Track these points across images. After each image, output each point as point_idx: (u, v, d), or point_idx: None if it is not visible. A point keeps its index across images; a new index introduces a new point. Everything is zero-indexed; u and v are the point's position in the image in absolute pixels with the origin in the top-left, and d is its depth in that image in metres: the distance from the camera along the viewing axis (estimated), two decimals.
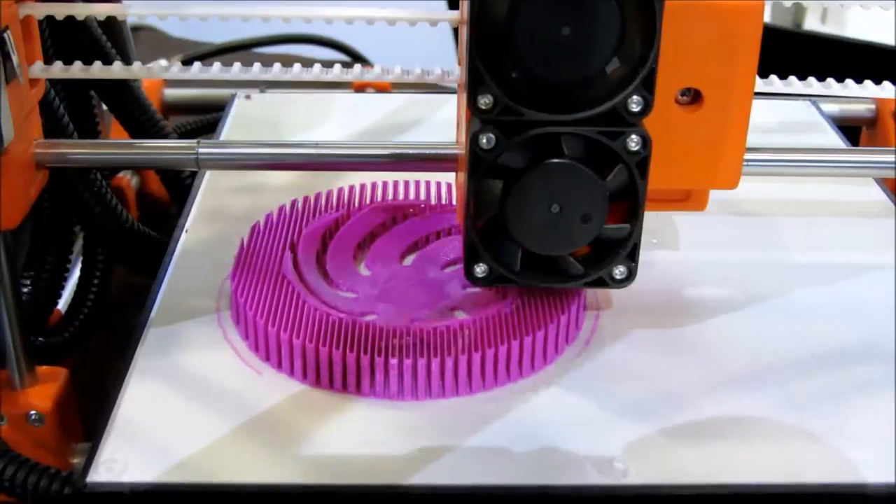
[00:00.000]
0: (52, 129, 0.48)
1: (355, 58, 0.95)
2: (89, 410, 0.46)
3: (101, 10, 0.44)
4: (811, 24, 1.09)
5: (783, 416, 0.39)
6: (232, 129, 0.61)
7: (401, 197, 0.50)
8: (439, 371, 0.39)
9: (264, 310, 0.42)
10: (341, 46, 0.94)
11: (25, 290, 0.52)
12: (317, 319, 0.41)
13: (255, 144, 0.46)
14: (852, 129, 0.67)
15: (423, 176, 0.50)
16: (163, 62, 0.47)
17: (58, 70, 0.44)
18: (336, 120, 0.63)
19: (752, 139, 0.42)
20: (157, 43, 1.03)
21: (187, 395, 0.40)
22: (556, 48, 0.36)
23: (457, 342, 0.40)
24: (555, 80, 0.37)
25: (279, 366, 0.41)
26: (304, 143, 0.46)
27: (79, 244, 0.58)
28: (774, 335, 0.43)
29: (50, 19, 0.44)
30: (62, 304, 0.57)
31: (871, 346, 0.43)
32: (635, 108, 0.37)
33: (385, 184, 0.51)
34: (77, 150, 0.45)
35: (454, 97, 0.46)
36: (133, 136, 0.60)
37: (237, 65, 0.45)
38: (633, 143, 0.38)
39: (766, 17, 0.40)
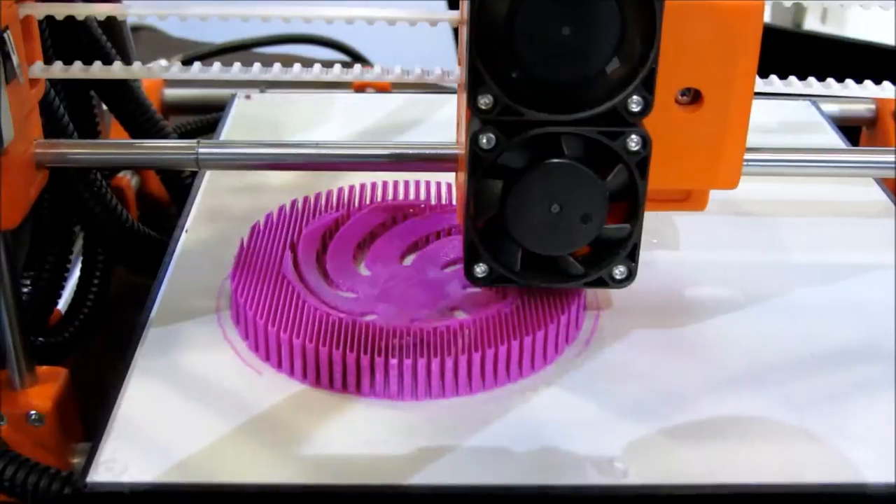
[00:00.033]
0: (52, 129, 0.48)
1: (355, 58, 0.95)
2: (89, 410, 0.46)
3: (101, 10, 0.44)
4: (811, 24, 1.09)
5: (783, 416, 0.39)
6: (232, 129, 0.61)
7: (401, 197, 0.50)
8: (439, 371, 0.39)
9: (264, 310, 0.42)
10: (341, 46, 0.94)
11: (25, 290, 0.52)
12: (317, 319, 0.41)
13: (255, 144, 0.46)
14: (852, 129, 0.67)
15: (423, 176, 0.50)
16: (163, 62, 0.47)
17: (58, 70, 0.44)
18: (336, 120, 0.63)
19: (752, 139, 0.42)
20: (157, 43, 1.03)
21: (187, 395, 0.40)
22: (556, 48, 0.36)
23: (457, 342, 0.40)
24: (555, 80, 0.37)
25: (279, 366, 0.41)
26: (304, 144, 0.46)
27: (79, 244, 0.58)
28: (774, 335, 0.43)
29: (50, 19, 0.44)
30: (62, 304, 0.57)
31: (871, 346, 0.43)
32: (635, 108, 0.37)
33: (385, 184, 0.51)
34: (77, 150, 0.45)
35: (454, 97, 0.46)
36: (133, 136, 0.60)
37: (237, 65, 0.45)
38: (633, 143, 0.38)
39: (766, 17, 0.40)
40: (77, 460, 0.45)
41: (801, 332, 0.44)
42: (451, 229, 0.48)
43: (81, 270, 0.57)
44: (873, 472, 0.36)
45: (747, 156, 0.42)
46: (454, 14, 0.43)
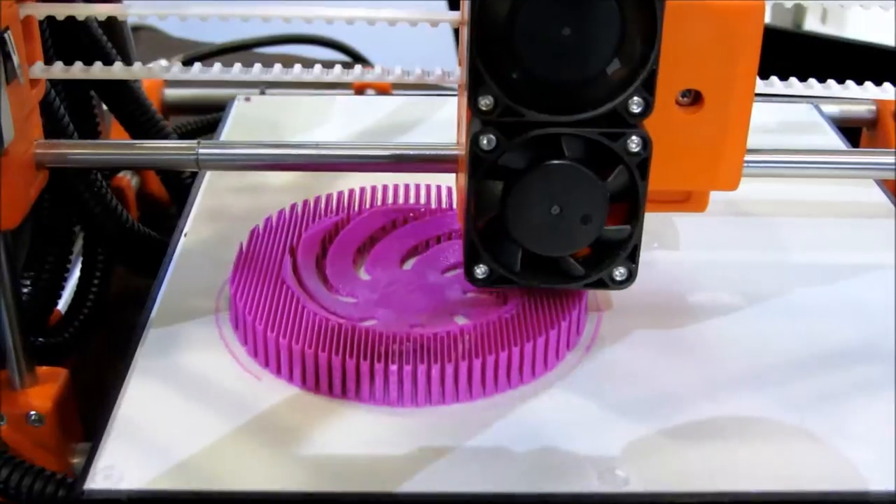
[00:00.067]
0: (53, 129, 0.48)
1: (356, 58, 0.95)
2: (89, 411, 0.46)
3: (101, 11, 0.44)
4: (811, 24, 1.09)
5: (783, 416, 0.39)
6: (231, 131, 0.61)
7: (401, 201, 0.50)
8: (439, 377, 0.39)
9: (263, 315, 0.41)
10: (342, 47, 0.94)
11: (25, 290, 0.52)
12: (316, 325, 0.41)
13: (256, 145, 0.46)
14: (852, 130, 0.67)
15: (423, 179, 0.50)
16: (163, 62, 0.47)
17: (58, 70, 0.44)
18: (335, 122, 0.62)
19: (753, 140, 0.42)
20: (158, 43, 1.03)
21: (187, 396, 0.40)
22: (557, 49, 0.36)
23: (457, 348, 0.40)
24: (555, 80, 0.37)
25: (278, 371, 0.41)
26: (304, 144, 0.46)
27: (79, 244, 0.58)
28: (774, 335, 0.43)
29: (50, 19, 0.44)
30: (62, 304, 0.56)
31: (871, 346, 0.43)
32: (636, 109, 0.37)
33: (385, 187, 0.50)
34: (77, 151, 0.45)
35: (454, 99, 0.46)
36: (133, 137, 0.60)
37: (237, 65, 0.45)
38: (634, 144, 0.38)
39: (767, 18, 0.40)
40: (77, 460, 0.45)
41: (801, 332, 0.44)
42: (452, 233, 0.48)
43: (81, 271, 0.57)
44: (873, 472, 0.36)
45: (747, 157, 0.42)
46: (455, 14, 0.43)
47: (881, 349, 0.43)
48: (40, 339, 0.53)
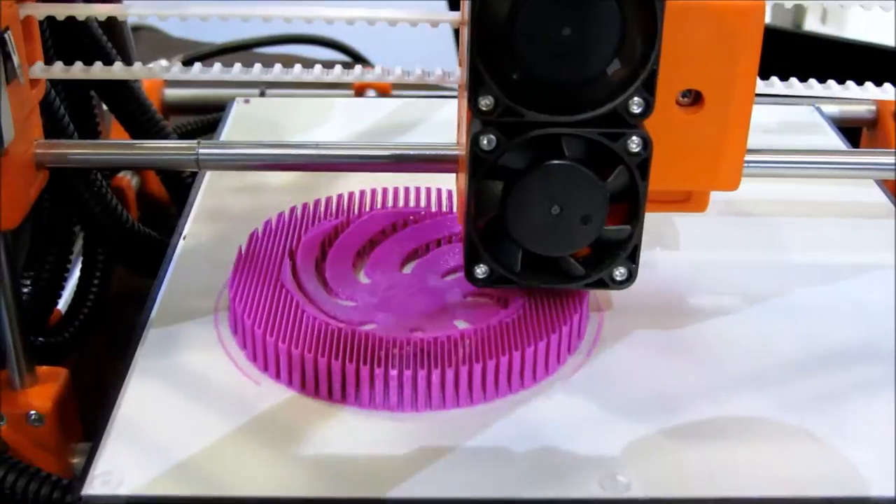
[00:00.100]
0: (53, 129, 0.48)
1: (356, 58, 0.95)
2: (89, 410, 0.46)
3: (101, 11, 0.44)
4: (811, 24, 1.09)
5: (783, 416, 0.39)
6: (231, 133, 0.61)
7: (401, 204, 0.50)
8: (440, 382, 0.39)
9: (262, 319, 0.41)
10: (342, 47, 0.94)
11: (25, 290, 0.52)
12: (315, 329, 0.41)
13: (256, 145, 0.46)
14: (853, 131, 0.67)
15: (423, 183, 0.50)
16: (163, 62, 0.47)
17: (58, 70, 0.44)
18: (335, 124, 0.62)
19: (753, 141, 0.42)
20: (158, 43, 1.03)
21: (187, 397, 0.40)
22: (557, 49, 0.36)
23: (457, 352, 0.40)
24: (555, 81, 0.37)
25: (277, 376, 0.40)
26: (304, 144, 0.46)
27: (79, 244, 0.58)
28: (774, 335, 0.43)
29: (50, 19, 0.44)
30: (62, 304, 0.57)
31: (871, 346, 0.43)
32: (636, 109, 0.37)
33: (385, 191, 0.50)
34: (77, 151, 0.45)
35: (453, 101, 0.46)
36: (133, 137, 0.60)
37: (238, 65, 0.45)
38: (634, 144, 0.38)
39: (766, 18, 0.39)
40: (77, 460, 0.45)
41: (801, 332, 0.44)
42: (452, 237, 0.47)
43: (81, 270, 0.57)
44: (873, 473, 0.36)
45: (748, 157, 0.42)
46: (455, 15, 0.43)
47: (881, 349, 0.43)
48: (40, 338, 0.53)
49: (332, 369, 0.39)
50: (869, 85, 0.45)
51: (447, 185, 0.49)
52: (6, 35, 0.40)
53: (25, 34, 0.42)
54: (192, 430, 0.38)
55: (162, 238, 0.57)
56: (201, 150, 0.45)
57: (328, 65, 0.45)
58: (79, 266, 0.57)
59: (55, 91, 0.49)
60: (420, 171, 0.46)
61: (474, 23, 0.36)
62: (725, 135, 0.40)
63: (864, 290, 0.47)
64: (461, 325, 0.42)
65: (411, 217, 0.49)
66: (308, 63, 0.45)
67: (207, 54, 0.89)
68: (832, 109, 0.66)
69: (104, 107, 0.61)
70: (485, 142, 0.37)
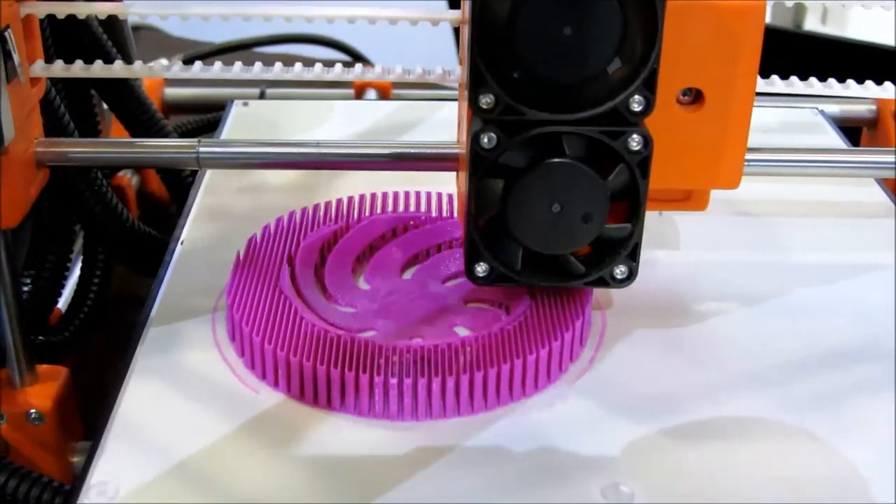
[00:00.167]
0: (53, 127, 0.48)
1: (356, 58, 0.95)
2: (89, 409, 0.46)
3: (102, 9, 0.44)
4: (812, 24, 1.09)
5: (783, 416, 0.39)
6: (229, 136, 0.61)
7: (401, 209, 0.49)
8: (440, 390, 0.38)
9: (260, 326, 0.41)
10: (342, 46, 0.94)
11: (26, 288, 0.52)
12: (314, 336, 0.40)
13: (256, 144, 0.46)
14: (853, 130, 0.67)
15: (423, 183, 0.50)
16: (164, 61, 0.47)
17: (59, 69, 0.44)
18: (334, 127, 0.62)
19: (754, 140, 0.42)
20: (158, 42, 1.03)
21: (187, 396, 0.40)
22: (558, 48, 0.36)
23: (458, 360, 0.39)
24: (556, 79, 0.37)
25: (276, 384, 0.40)
26: (305, 143, 0.46)
27: (79, 243, 0.58)
28: (774, 335, 0.43)
29: (51, 18, 0.44)
30: (62, 302, 0.57)
31: (871, 346, 0.43)
32: (637, 107, 0.37)
33: (385, 195, 0.50)
34: (78, 149, 0.45)
35: (453, 103, 0.46)
36: (134, 135, 0.60)
37: (238, 64, 0.45)
38: (635, 142, 0.38)
39: (767, 18, 0.40)
40: (77, 459, 0.45)
41: (801, 332, 0.44)
42: (452, 242, 0.47)
43: (82, 269, 0.57)
44: (873, 473, 0.36)
45: (748, 156, 0.42)
46: (455, 14, 0.43)
47: (881, 349, 0.43)
48: (40, 337, 0.53)
49: (331, 377, 0.38)
50: (869, 83, 0.45)
51: (448, 189, 0.49)
52: (7, 33, 0.40)
53: (26, 32, 0.42)
54: (191, 431, 0.38)
55: (162, 237, 0.57)
56: (202, 149, 0.45)
57: (328, 64, 0.45)
58: (79, 265, 0.57)
59: (55, 90, 0.49)
60: (421, 170, 0.45)
61: (475, 22, 0.36)
62: (726, 133, 0.40)
63: (864, 290, 0.47)
64: (462, 331, 0.42)
65: (411, 222, 0.48)
66: (308, 62, 0.45)
67: (208, 53, 0.89)
68: (833, 109, 0.66)
69: (104, 105, 0.61)
70: (485, 140, 0.37)
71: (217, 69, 0.45)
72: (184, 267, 0.48)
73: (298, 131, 0.61)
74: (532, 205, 0.38)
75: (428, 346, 0.40)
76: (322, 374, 0.39)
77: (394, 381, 0.38)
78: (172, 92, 0.76)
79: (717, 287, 0.46)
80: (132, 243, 0.56)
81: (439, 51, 1.02)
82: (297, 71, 0.44)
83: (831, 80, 0.45)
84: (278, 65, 0.45)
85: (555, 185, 0.38)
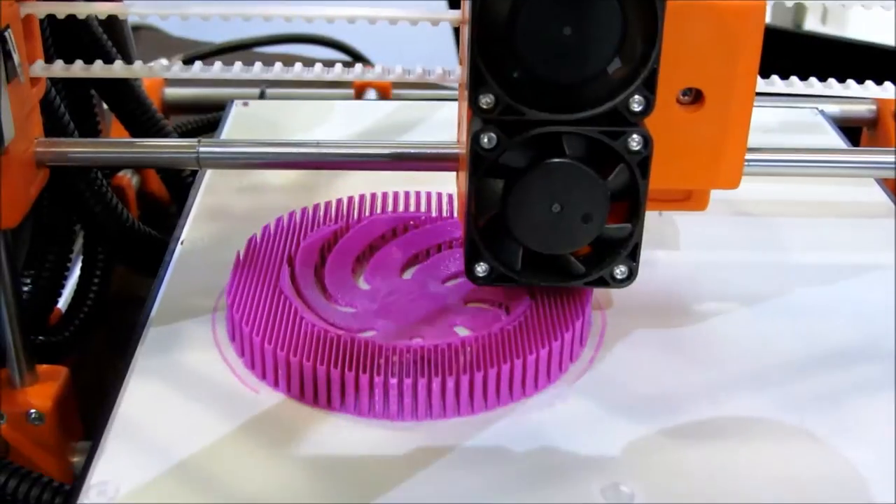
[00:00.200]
0: (53, 127, 0.48)
1: (356, 58, 0.95)
2: (89, 409, 0.46)
3: (102, 9, 0.44)
4: (812, 24, 1.09)
5: (783, 416, 0.39)
6: (229, 136, 0.61)
7: (401, 209, 0.49)
8: (440, 390, 0.38)
9: (260, 326, 0.41)
10: (342, 46, 0.94)
11: (26, 288, 0.52)
12: (314, 336, 0.40)
13: (257, 143, 0.46)
14: (853, 130, 0.67)
15: (423, 183, 0.50)
16: (164, 61, 0.47)
17: (59, 69, 0.44)
18: (334, 128, 0.62)
19: (754, 140, 0.42)
20: (158, 42, 1.03)
21: (187, 396, 0.40)
22: (558, 48, 0.36)
23: (458, 360, 0.39)
24: (556, 79, 0.37)
25: (276, 384, 0.40)
26: (305, 143, 0.46)
27: (79, 243, 0.58)
28: (774, 335, 0.43)
29: (51, 18, 0.44)
30: (62, 302, 0.57)
31: (871, 346, 0.43)
32: (637, 107, 0.37)
33: (385, 195, 0.50)
34: (78, 149, 0.45)
35: (453, 104, 0.46)
36: (134, 135, 0.60)
37: (238, 64, 0.45)
38: (635, 142, 0.38)
39: (767, 18, 0.40)
40: (77, 459, 0.45)
41: (801, 332, 0.44)
42: (453, 242, 0.47)
43: (82, 269, 0.57)
44: (873, 472, 0.36)
45: (748, 156, 0.42)
46: (455, 14, 0.43)
47: (881, 349, 0.43)
48: (40, 337, 0.53)
49: (330, 377, 0.38)
50: (869, 83, 0.45)
51: (447, 189, 0.49)
52: (7, 33, 0.40)
53: (26, 32, 0.42)
54: (191, 431, 0.38)
55: (162, 237, 0.57)
56: (202, 149, 0.45)
57: (328, 64, 0.45)
58: (79, 265, 0.57)
59: (55, 90, 0.49)
60: (421, 170, 0.45)
61: (475, 21, 0.36)
62: (726, 133, 0.40)
63: (864, 290, 0.47)
64: (462, 331, 0.42)
65: (411, 222, 0.48)
66: (308, 62, 0.45)
67: (208, 53, 0.89)
68: (833, 109, 0.66)
69: (104, 105, 0.61)
70: (485, 140, 0.37)
71: (217, 69, 0.45)
72: (184, 267, 0.48)
73: (298, 131, 0.61)
74: (532, 205, 0.38)
75: (428, 346, 0.40)
76: (322, 374, 0.39)
77: (394, 381, 0.38)
78: (172, 92, 0.76)
79: (718, 287, 0.46)
80: (132, 243, 0.56)
81: (439, 51, 1.02)
82: (297, 71, 0.44)
83: (831, 80, 0.45)
84: (278, 65, 0.45)
85: (555, 185, 0.38)
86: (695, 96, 0.40)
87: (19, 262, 0.52)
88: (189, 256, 0.49)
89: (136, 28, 0.93)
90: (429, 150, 0.45)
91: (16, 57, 0.40)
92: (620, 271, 0.40)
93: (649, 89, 0.37)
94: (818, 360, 0.42)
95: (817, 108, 0.64)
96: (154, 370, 0.41)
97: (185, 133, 0.74)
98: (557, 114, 0.37)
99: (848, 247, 0.50)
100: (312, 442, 0.38)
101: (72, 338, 0.54)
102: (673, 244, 0.50)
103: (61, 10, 0.43)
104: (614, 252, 0.40)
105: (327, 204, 0.49)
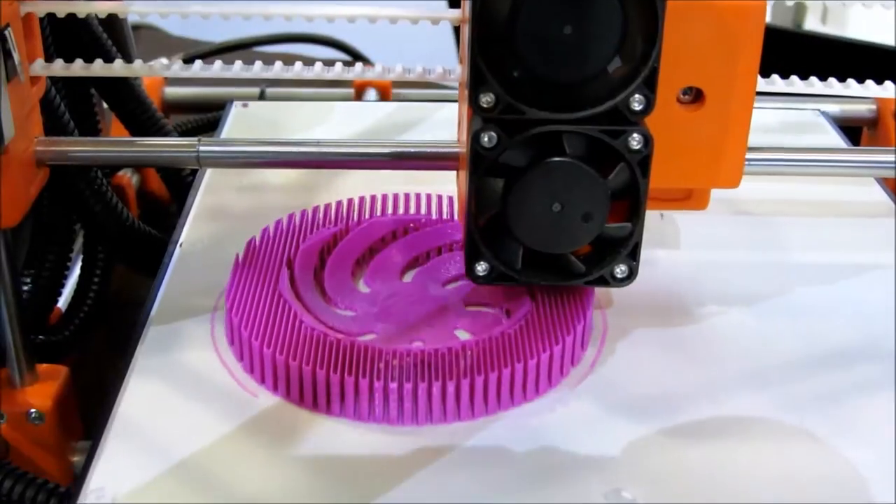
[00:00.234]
0: (53, 126, 0.48)
1: (356, 57, 0.95)
2: (89, 409, 0.46)
3: (102, 8, 0.44)
4: (812, 24, 1.09)
5: (783, 416, 0.39)
6: (229, 137, 0.61)
7: (401, 211, 0.49)
8: (440, 395, 0.38)
9: (260, 330, 0.40)
10: (343, 46, 0.94)
11: (26, 288, 0.52)
12: (314, 340, 0.40)
13: (257, 143, 0.46)
14: (854, 130, 0.67)
15: (423, 184, 0.50)
16: (164, 60, 0.47)
17: (59, 68, 0.44)
18: (334, 129, 0.62)
19: (754, 140, 0.42)
20: (158, 42, 1.03)
21: (187, 396, 0.40)
22: (558, 47, 0.36)
23: (458, 365, 0.39)
24: (556, 78, 0.37)
25: (275, 388, 0.40)
26: (305, 142, 0.46)
27: (79, 242, 0.58)
28: (774, 335, 0.43)
29: (51, 17, 0.44)
30: (62, 302, 0.57)
31: (871, 346, 0.43)
32: (637, 106, 0.37)
33: (385, 197, 0.49)
34: (78, 148, 0.45)
35: (453, 104, 0.46)
36: (133, 135, 0.60)
37: (238, 63, 0.45)
38: (635, 141, 0.38)
39: (767, 17, 0.40)
40: (77, 459, 0.45)
41: (801, 332, 0.44)
42: (453, 244, 0.47)
43: (82, 269, 0.57)
44: (873, 472, 0.36)
45: (749, 155, 0.42)
46: (455, 13, 0.43)
47: (881, 349, 0.43)
48: (40, 336, 0.53)
49: (330, 381, 0.38)
50: (870, 83, 0.45)
51: (448, 192, 0.49)
52: (7, 32, 0.40)
53: (26, 31, 0.42)
54: (191, 431, 0.38)
55: (162, 236, 0.57)
56: (202, 148, 0.45)
57: (328, 63, 0.45)
58: (79, 264, 0.57)
59: (55, 88, 0.49)
60: (421, 169, 0.45)
61: (475, 21, 0.36)
62: (726, 132, 0.40)
63: (864, 290, 0.47)
64: (462, 335, 0.42)
65: (412, 224, 0.48)
66: (308, 62, 0.45)
67: (208, 53, 0.89)
68: (833, 108, 0.66)
69: (104, 104, 0.61)
70: (485, 139, 0.37)
71: (217, 68, 0.45)
72: (184, 267, 0.48)
73: (298, 132, 0.61)
74: (532, 204, 0.38)
75: (428, 350, 0.39)
76: (321, 379, 0.38)
77: (394, 385, 0.38)
78: (172, 91, 0.76)
79: (718, 286, 0.46)
80: (132, 243, 0.56)
81: (439, 50, 1.02)
82: (298, 70, 0.44)
83: (832, 80, 0.45)
84: (278, 64, 0.45)
85: (555, 185, 0.38)
86: (695, 95, 0.40)
87: (19, 261, 0.52)
88: (189, 256, 0.49)
89: (136, 27, 0.93)
90: (429, 150, 0.45)
91: (16, 56, 0.40)
92: (621, 270, 0.40)
93: (650, 88, 0.37)
94: (818, 360, 0.42)
95: (819, 111, 0.64)
96: (154, 370, 0.41)
97: (185, 132, 0.74)
98: (558, 113, 0.37)
99: (848, 246, 0.50)
100: (312, 446, 0.37)
101: (72, 337, 0.54)
102: (673, 243, 0.50)
103: (61, 9, 0.43)
104: (615, 251, 0.40)
105: (327, 206, 0.49)
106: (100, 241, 0.56)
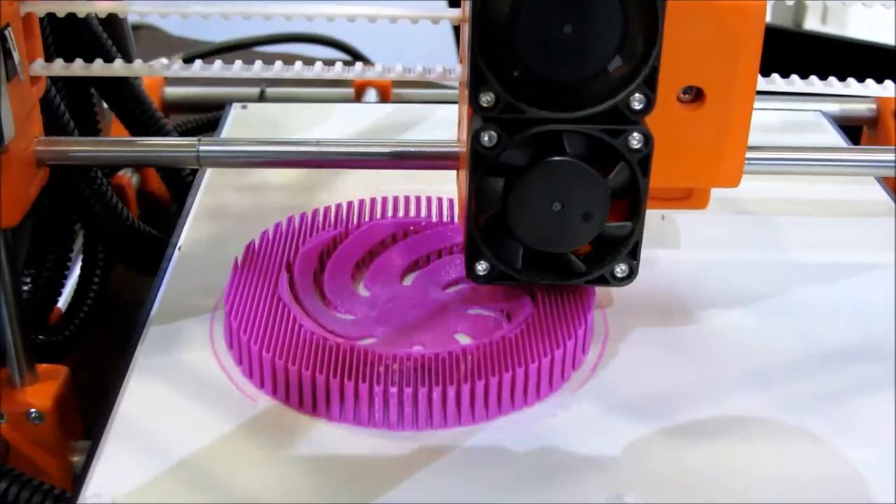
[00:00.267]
0: (53, 126, 0.48)
1: (356, 57, 0.95)
2: (89, 409, 0.46)
3: (102, 8, 0.44)
4: (812, 23, 1.09)
5: (783, 416, 0.39)
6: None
7: (401, 214, 0.49)
8: (440, 400, 0.38)
9: (259, 334, 0.40)
10: (343, 46, 0.94)
11: (26, 288, 0.52)
12: (313, 344, 0.39)
13: (257, 142, 0.46)
14: (854, 129, 0.67)
15: (423, 184, 0.50)
16: (164, 60, 0.47)
17: (59, 68, 0.44)
18: (333, 130, 0.62)
19: (755, 139, 0.42)
20: (158, 42, 1.03)
21: (187, 396, 0.40)
22: (558, 46, 0.36)
23: (459, 369, 0.39)
24: (556, 78, 0.37)
25: (274, 393, 0.39)
26: (305, 142, 0.46)
27: (79, 242, 0.58)
28: (775, 335, 0.43)
29: (51, 16, 0.44)
30: (62, 302, 0.57)
31: (871, 346, 0.43)
32: (637, 106, 0.37)
33: (385, 200, 0.49)
34: (78, 148, 0.45)
35: (452, 105, 0.46)
36: (133, 134, 0.60)
37: (238, 62, 0.45)
38: (635, 140, 0.38)
39: (767, 17, 0.40)
40: (77, 458, 0.45)
41: (801, 332, 0.44)
42: (453, 247, 0.46)
43: (82, 269, 0.57)
44: (873, 472, 0.36)
45: (749, 154, 0.42)
46: (456, 12, 0.43)
47: (881, 349, 0.43)
48: (40, 336, 0.53)
49: (330, 386, 0.38)
50: (870, 82, 0.45)
51: (448, 194, 0.49)
52: (7, 32, 0.40)
53: (26, 31, 0.42)
54: (191, 431, 0.38)
55: (162, 236, 0.57)
56: (202, 148, 0.45)
57: (329, 63, 0.45)
58: (79, 264, 0.57)
59: (55, 88, 0.49)
60: (421, 169, 0.45)
61: (475, 20, 0.36)
62: (726, 132, 0.40)
63: (864, 289, 0.47)
64: (463, 339, 0.42)
65: (412, 227, 0.48)
66: (308, 61, 0.45)
67: (208, 53, 0.89)
68: (833, 108, 0.66)
69: (104, 104, 0.61)
70: (486, 138, 0.37)
71: (217, 68, 0.45)
72: (184, 267, 0.48)
73: (297, 133, 0.61)
74: (533, 203, 0.38)
75: (428, 355, 0.39)
76: (321, 383, 0.38)
77: (394, 389, 0.38)
78: (172, 91, 0.76)
79: (718, 286, 0.46)
80: (132, 243, 0.56)
81: (440, 49, 1.02)
82: (298, 70, 0.44)
83: (832, 79, 0.45)
84: (278, 63, 0.45)
85: (555, 184, 0.38)
86: (695, 95, 0.40)
87: (19, 261, 0.52)
88: (189, 256, 0.49)
89: (136, 27, 0.93)
90: (429, 149, 0.45)
91: (16, 55, 0.40)
92: (621, 270, 0.40)
93: (650, 87, 0.37)
94: (818, 360, 0.42)
95: (820, 112, 0.64)
96: (154, 370, 0.41)
97: (185, 132, 0.74)
98: (558, 112, 0.37)
99: (848, 246, 0.50)
100: (312, 447, 0.37)
101: (72, 337, 0.54)
102: (673, 243, 0.50)
103: (61, 9, 0.43)
104: (615, 250, 0.40)
105: (326, 209, 0.49)
106: (100, 241, 0.56)
